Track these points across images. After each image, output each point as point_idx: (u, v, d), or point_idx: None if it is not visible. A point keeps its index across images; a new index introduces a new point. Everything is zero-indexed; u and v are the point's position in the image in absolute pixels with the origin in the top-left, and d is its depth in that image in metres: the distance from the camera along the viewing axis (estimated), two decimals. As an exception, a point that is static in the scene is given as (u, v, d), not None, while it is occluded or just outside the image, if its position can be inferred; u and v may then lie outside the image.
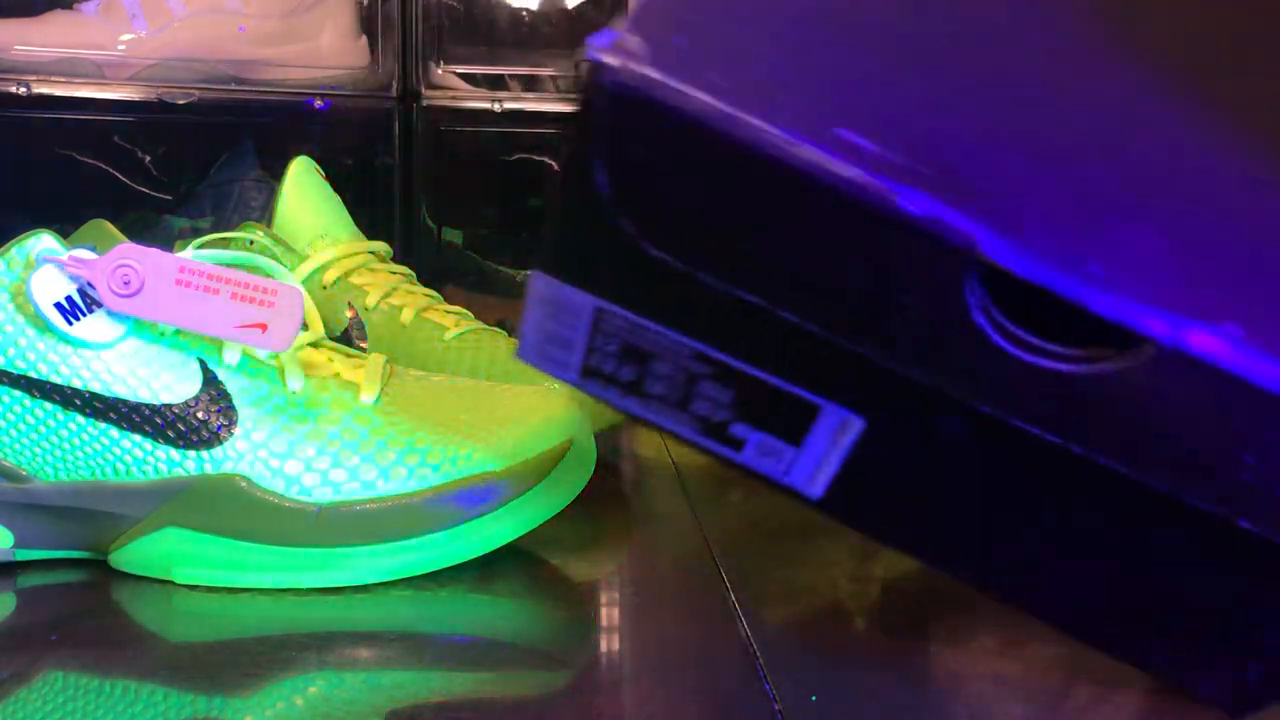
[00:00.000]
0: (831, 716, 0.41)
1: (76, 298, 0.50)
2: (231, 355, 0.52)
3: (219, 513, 0.51)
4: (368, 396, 0.54)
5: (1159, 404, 0.31)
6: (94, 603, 0.51)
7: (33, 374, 0.50)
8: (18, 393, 0.50)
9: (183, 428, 0.51)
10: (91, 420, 0.51)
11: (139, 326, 0.51)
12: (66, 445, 0.51)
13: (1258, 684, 0.36)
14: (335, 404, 0.53)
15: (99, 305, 0.50)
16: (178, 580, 0.52)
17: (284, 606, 0.50)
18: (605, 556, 0.60)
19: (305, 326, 0.56)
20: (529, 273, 0.36)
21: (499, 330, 0.72)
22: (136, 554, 0.52)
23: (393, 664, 0.46)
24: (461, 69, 1.07)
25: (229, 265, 0.51)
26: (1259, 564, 0.33)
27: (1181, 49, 0.37)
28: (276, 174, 0.77)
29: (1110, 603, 0.36)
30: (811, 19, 0.34)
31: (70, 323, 0.50)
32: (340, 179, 0.76)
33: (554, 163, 1.07)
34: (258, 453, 0.51)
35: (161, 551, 0.52)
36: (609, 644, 0.49)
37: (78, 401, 0.50)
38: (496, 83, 1.08)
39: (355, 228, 0.74)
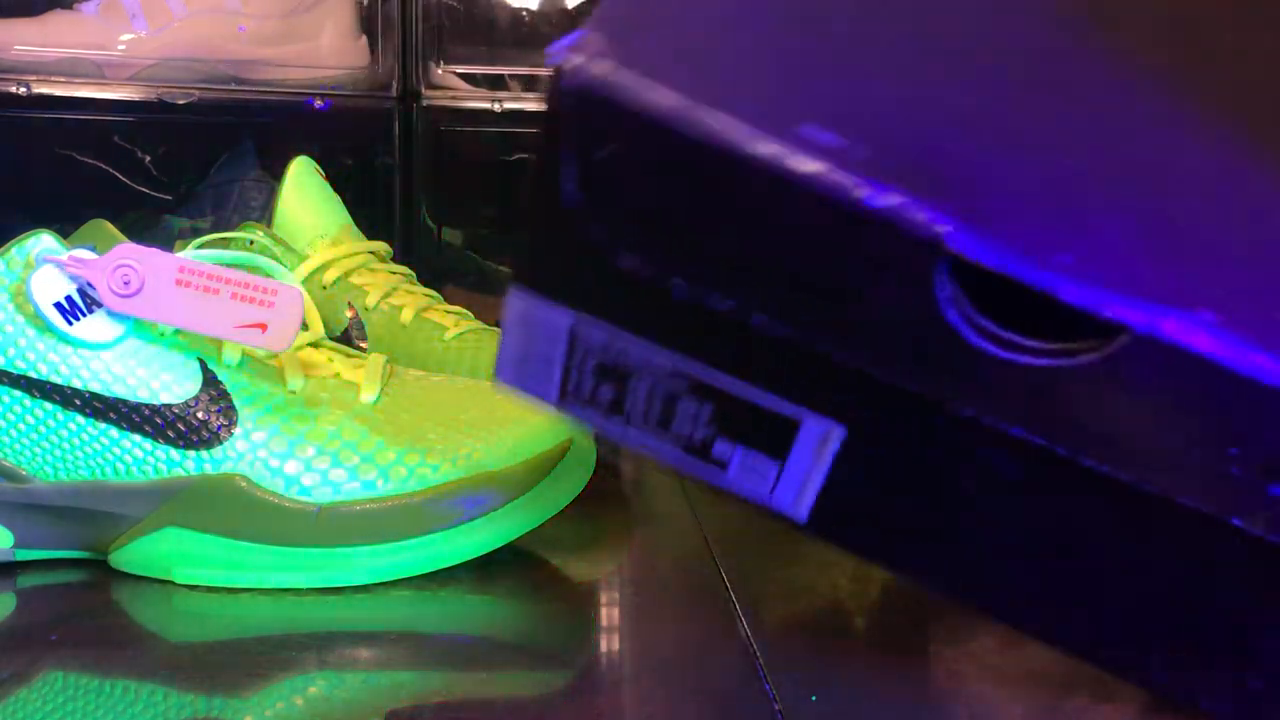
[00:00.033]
0: (831, 716, 0.41)
1: (76, 298, 0.50)
2: (231, 355, 0.52)
3: (219, 513, 0.51)
4: (368, 396, 0.54)
5: (1137, 396, 0.31)
6: (94, 603, 0.51)
7: (33, 374, 0.50)
8: (18, 393, 0.50)
9: (182, 428, 0.51)
10: (91, 420, 0.51)
11: (139, 326, 0.51)
12: (66, 445, 0.51)
13: (1260, 695, 0.35)
14: (335, 404, 0.53)
15: (99, 305, 0.50)
16: (178, 580, 0.52)
17: (284, 606, 0.50)
18: (605, 556, 0.60)
19: (305, 326, 0.56)
20: (507, 291, 0.36)
21: (499, 330, 0.72)
22: (136, 554, 0.52)
23: (393, 664, 0.46)
24: (461, 69, 1.07)
25: (229, 265, 0.51)
26: (1256, 566, 0.32)
27: (1148, 37, 0.37)
28: (276, 174, 0.77)
29: (1106, 615, 0.36)
30: (776, 15, 0.34)
31: (70, 323, 0.50)
32: (340, 179, 0.76)
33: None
34: (257, 453, 0.51)
35: (161, 551, 0.52)
36: (609, 644, 0.49)
37: (78, 401, 0.50)
38: (496, 83, 1.08)
39: (355, 228, 0.74)
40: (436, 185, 1.07)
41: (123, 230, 0.55)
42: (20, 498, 0.52)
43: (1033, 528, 0.35)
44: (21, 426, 0.51)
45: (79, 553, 0.54)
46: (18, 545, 0.53)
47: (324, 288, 0.70)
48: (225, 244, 0.68)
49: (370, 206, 0.98)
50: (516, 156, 1.08)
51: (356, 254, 0.72)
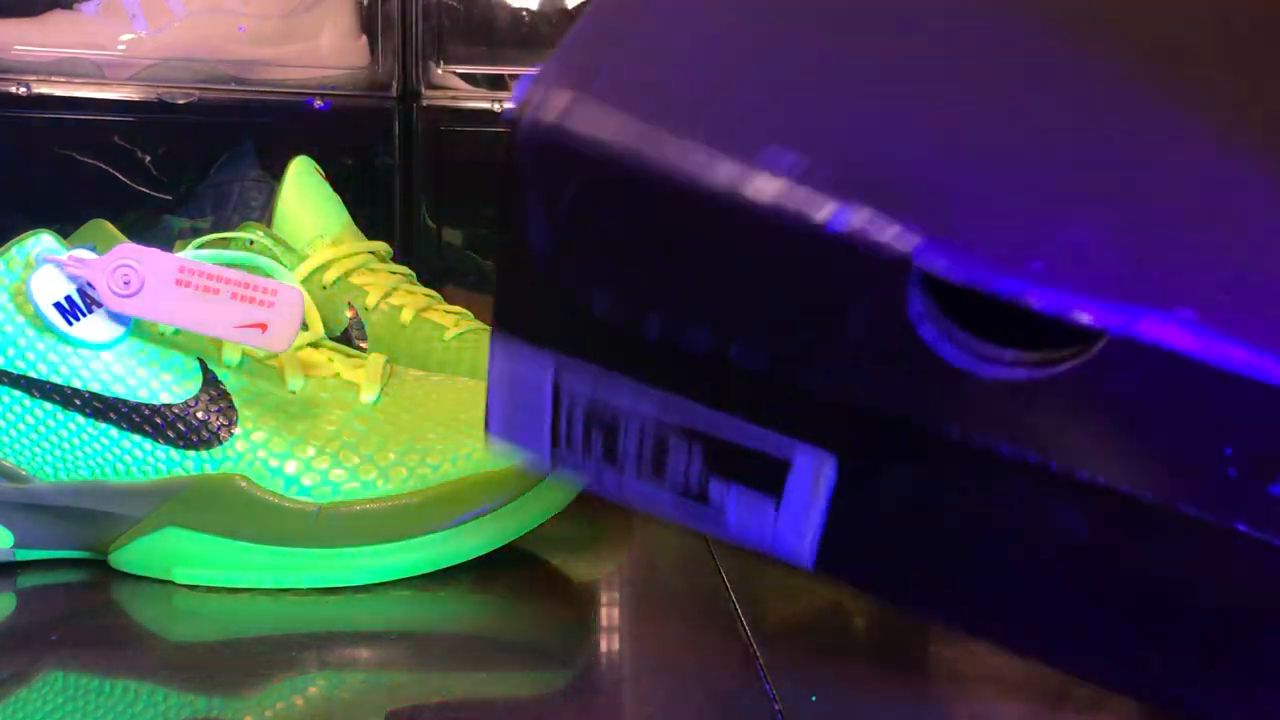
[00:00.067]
0: (831, 716, 0.41)
1: (76, 298, 0.50)
2: (231, 355, 0.52)
3: (219, 513, 0.51)
4: (368, 396, 0.54)
5: (1123, 402, 0.30)
6: (94, 603, 0.51)
7: (32, 374, 0.50)
8: (17, 393, 0.50)
9: (182, 428, 0.51)
10: (91, 420, 0.51)
11: (139, 326, 0.51)
12: (66, 445, 0.51)
13: (1269, 707, 0.34)
14: (335, 404, 0.53)
15: (99, 305, 0.50)
16: (178, 580, 0.52)
17: (284, 606, 0.50)
18: (605, 556, 0.60)
19: (305, 326, 0.56)
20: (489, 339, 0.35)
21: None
22: (136, 554, 0.52)
23: (393, 664, 0.46)
24: (461, 69, 1.07)
25: (229, 265, 0.51)
26: (1263, 572, 0.32)
27: (1110, 41, 0.36)
28: (276, 174, 0.77)
29: (1113, 632, 0.35)
30: (736, 40, 0.33)
31: (70, 323, 0.50)
32: (340, 179, 0.76)
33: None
34: (257, 453, 0.51)
35: (161, 551, 0.52)
36: (609, 644, 0.49)
37: (77, 401, 0.50)
38: (496, 83, 1.08)
39: (355, 228, 0.74)
40: (436, 185, 1.07)
41: (123, 230, 0.55)
42: (20, 498, 0.52)
43: (1034, 550, 0.34)
44: (21, 426, 0.51)
45: (79, 553, 0.54)
46: (18, 545, 0.53)
47: (324, 288, 0.70)
48: (225, 244, 0.68)
49: (370, 206, 0.98)
50: (516, 156, 1.08)
51: (356, 254, 0.72)
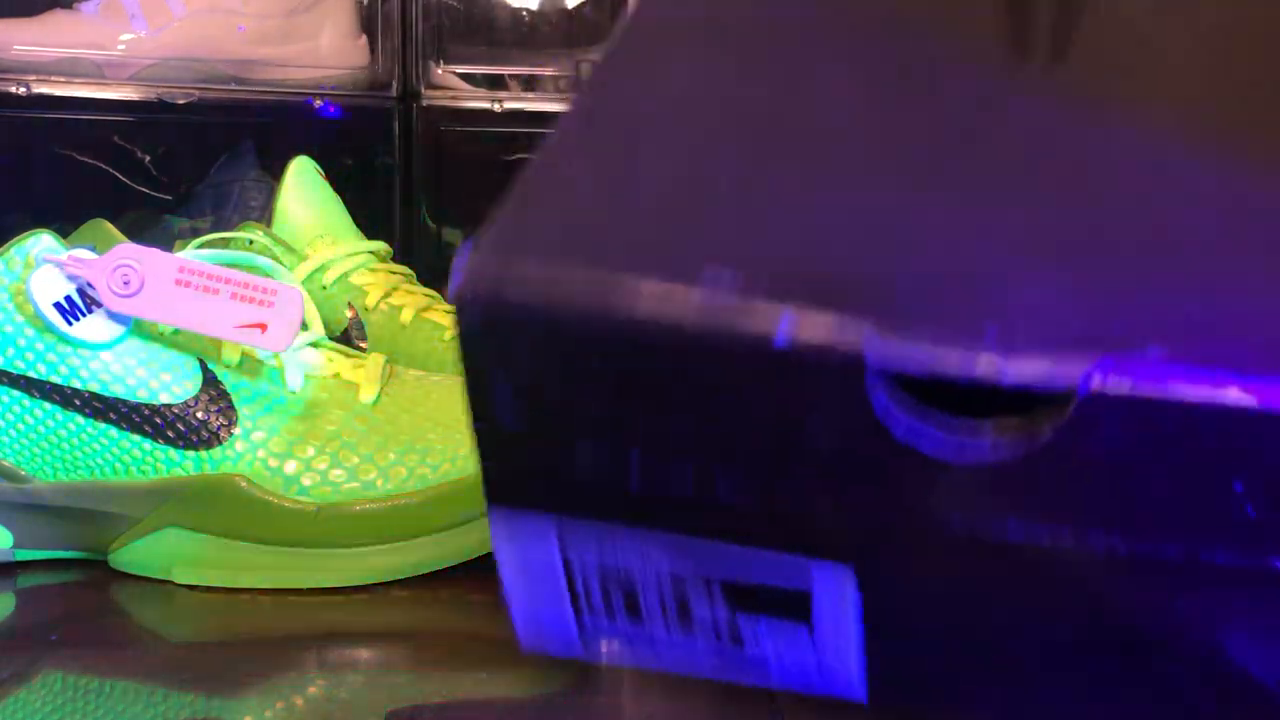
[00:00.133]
0: (831, 716, 0.41)
1: (76, 298, 0.50)
2: (231, 355, 0.52)
3: (219, 513, 0.51)
4: (367, 396, 0.54)
5: (1113, 459, 0.28)
6: (94, 603, 0.51)
7: (32, 374, 0.50)
8: (17, 393, 0.50)
9: (182, 428, 0.51)
10: (91, 420, 0.51)
11: (138, 326, 0.51)
12: (66, 445, 0.51)
13: None
14: (335, 404, 0.53)
15: (98, 305, 0.50)
16: (178, 580, 0.52)
17: (284, 606, 0.50)
18: (605, 556, 0.60)
19: (305, 326, 0.56)
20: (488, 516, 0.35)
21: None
22: (136, 554, 0.52)
23: (393, 664, 0.46)
24: (461, 69, 1.07)
25: (229, 265, 0.51)
26: None
27: (1023, 100, 0.36)
28: (276, 174, 0.77)
29: (1193, 710, 0.33)
30: (655, 178, 0.33)
31: (70, 323, 0.50)
32: (340, 179, 0.76)
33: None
34: (257, 452, 0.51)
35: (161, 551, 0.52)
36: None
37: (77, 401, 0.50)
38: (496, 83, 1.08)
39: (355, 228, 0.74)
40: (436, 185, 1.07)
41: (123, 230, 0.55)
42: (20, 498, 0.52)
43: (1072, 638, 0.32)
44: (21, 426, 0.51)
45: (79, 553, 0.54)
46: (17, 545, 0.53)
47: (324, 288, 0.70)
48: (225, 244, 0.68)
49: (370, 206, 0.98)
50: (516, 156, 1.08)
51: (356, 254, 0.72)
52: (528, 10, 1.09)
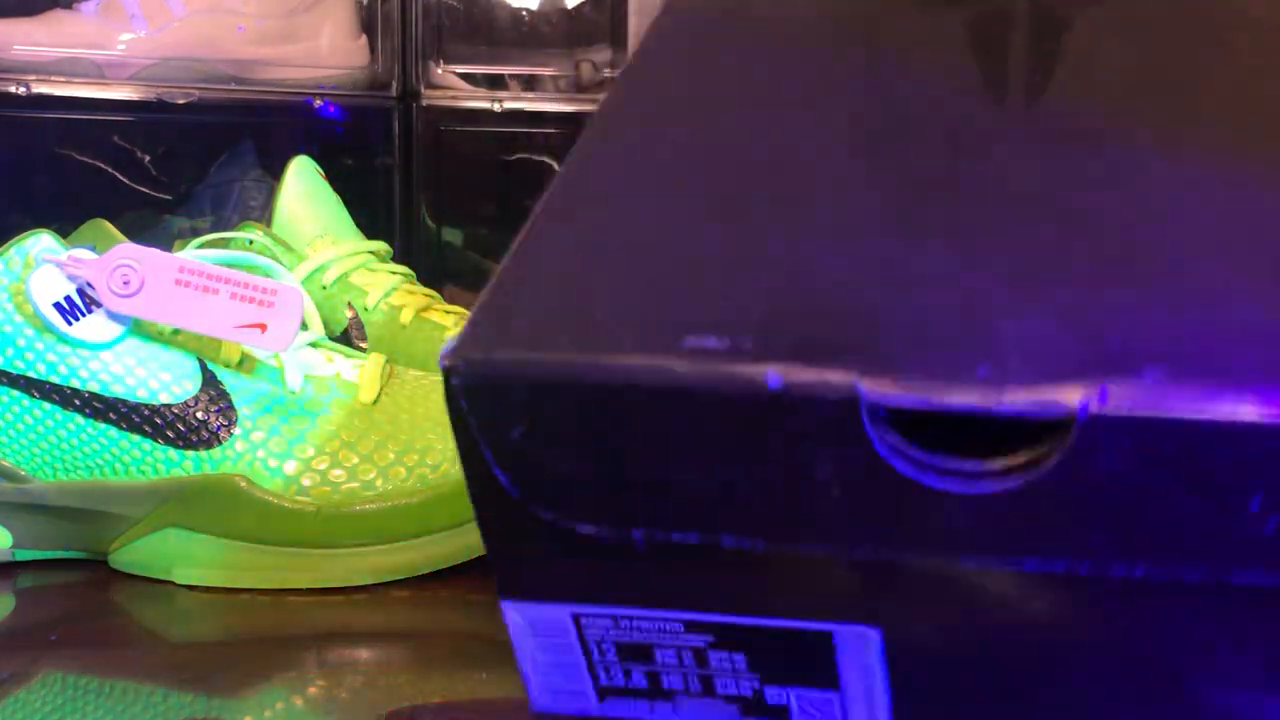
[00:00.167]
0: None
1: (75, 298, 0.50)
2: (231, 355, 0.52)
3: (218, 513, 0.51)
4: (367, 396, 0.54)
5: (1120, 483, 0.28)
6: (94, 603, 0.51)
7: (32, 374, 0.50)
8: (17, 393, 0.50)
9: (182, 427, 0.51)
10: (90, 420, 0.51)
11: (138, 326, 0.51)
12: (66, 445, 0.51)
13: None
14: (334, 404, 0.53)
15: (98, 305, 0.50)
16: (178, 580, 0.52)
17: (284, 606, 0.50)
18: (605, 556, 0.60)
19: (305, 326, 0.56)
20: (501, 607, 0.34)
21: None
22: (136, 554, 0.52)
23: (393, 664, 0.46)
24: (461, 69, 1.07)
25: (228, 265, 0.51)
26: None
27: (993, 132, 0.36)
28: (276, 174, 0.77)
29: None
30: (636, 253, 0.33)
31: (69, 323, 0.50)
32: (340, 179, 0.76)
33: (554, 162, 1.07)
34: (256, 452, 0.51)
35: (161, 551, 0.52)
36: (609, 644, 0.49)
37: (77, 401, 0.50)
38: (496, 82, 1.08)
39: (355, 228, 0.74)
40: (436, 185, 1.07)
41: (122, 230, 0.55)
42: (20, 498, 0.52)
43: (1105, 661, 0.32)
44: (20, 426, 0.51)
45: (79, 553, 0.54)
46: (17, 546, 0.53)
47: (324, 288, 0.70)
48: (225, 244, 0.68)
49: (370, 206, 0.98)
50: (516, 156, 1.08)
51: (356, 254, 0.72)
52: (528, 10, 1.09)
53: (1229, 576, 0.29)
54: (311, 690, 0.43)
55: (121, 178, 0.99)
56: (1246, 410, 0.27)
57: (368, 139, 1.04)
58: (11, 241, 0.51)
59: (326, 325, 0.68)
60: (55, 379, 0.50)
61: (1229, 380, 0.27)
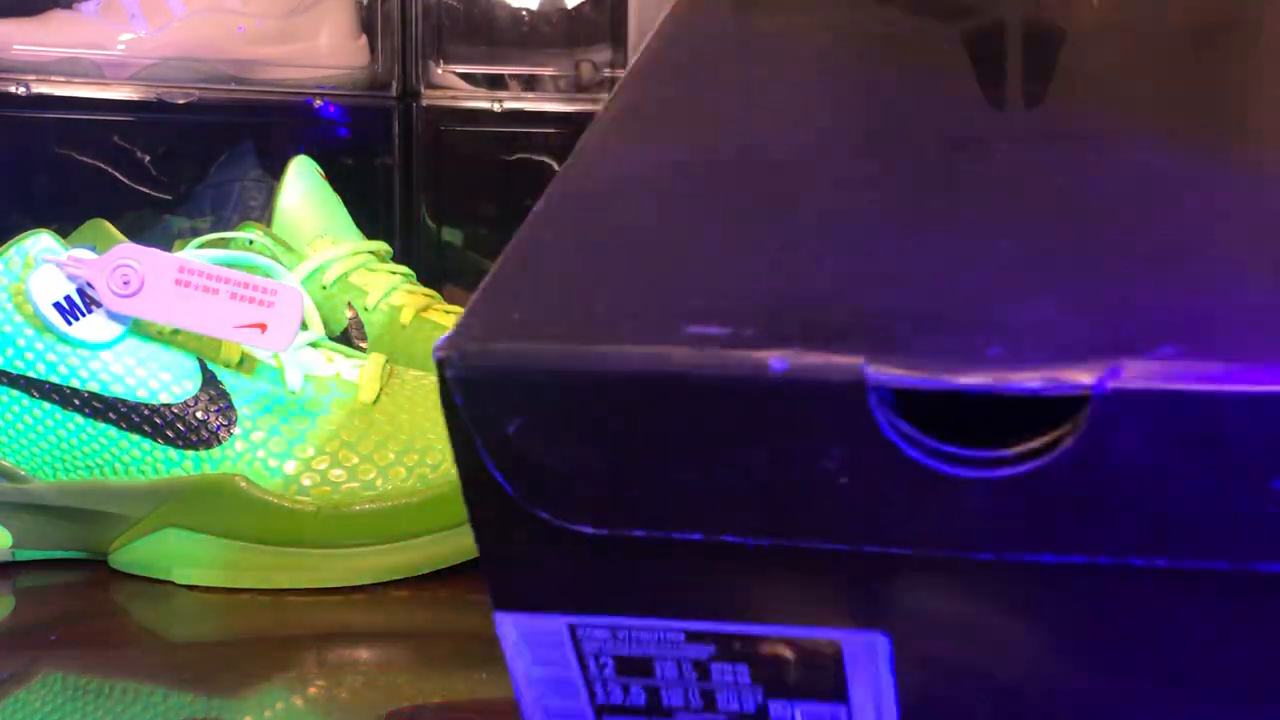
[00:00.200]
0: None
1: (75, 297, 0.50)
2: (230, 355, 0.52)
3: (218, 513, 0.51)
4: (367, 396, 0.54)
5: (1141, 466, 0.27)
6: (94, 603, 0.51)
7: (31, 374, 0.50)
8: (16, 392, 0.50)
9: (181, 427, 0.51)
10: (90, 420, 0.51)
11: (138, 326, 0.51)
12: (65, 445, 0.51)
13: None
14: (334, 404, 0.53)
15: (98, 305, 0.50)
16: (178, 580, 0.52)
17: (284, 606, 0.50)
18: (605, 556, 0.60)
19: (305, 326, 0.56)
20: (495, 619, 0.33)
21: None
22: (136, 554, 0.52)
23: (393, 664, 0.46)
24: (461, 68, 1.07)
25: (228, 265, 0.51)
26: None
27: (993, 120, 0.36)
28: (276, 174, 0.77)
29: None
30: (632, 248, 0.33)
31: (69, 322, 0.50)
32: (340, 179, 0.76)
33: (554, 162, 1.07)
34: (256, 452, 0.51)
35: (161, 551, 0.52)
36: (609, 644, 0.49)
37: (76, 401, 0.50)
38: (496, 82, 1.08)
39: (355, 228, 0.74)
40: (436, 185, 1.07)
41: (123, 230, 0.55)
42: (19, 498, 0.52)
43: (1127, 663, 0.31)
44: (20, 426, 0.51)
45: (79, 553, 0.54)
46: (17, 546, 0.53)
47: (323, 288, 0.70)
48: (225, 244, 0.68)
49: (370, 206, 0.98)
50: (516, 156, 1.08)
51: (356, 254, 0.72)
52: (528, 10, 1.09)
53: (1253, 564, 0.28)
54: (311, 690, 0.43)
55: (121, 178, 0.99)
56: (1265, 383, 0.26)
57: (368, 139, 1.04)
58: (11, 241, 0.51)
59: (326, 325, 0.68)
60: (55, 379, 0.50)
61: (1245, 356, 0.27)
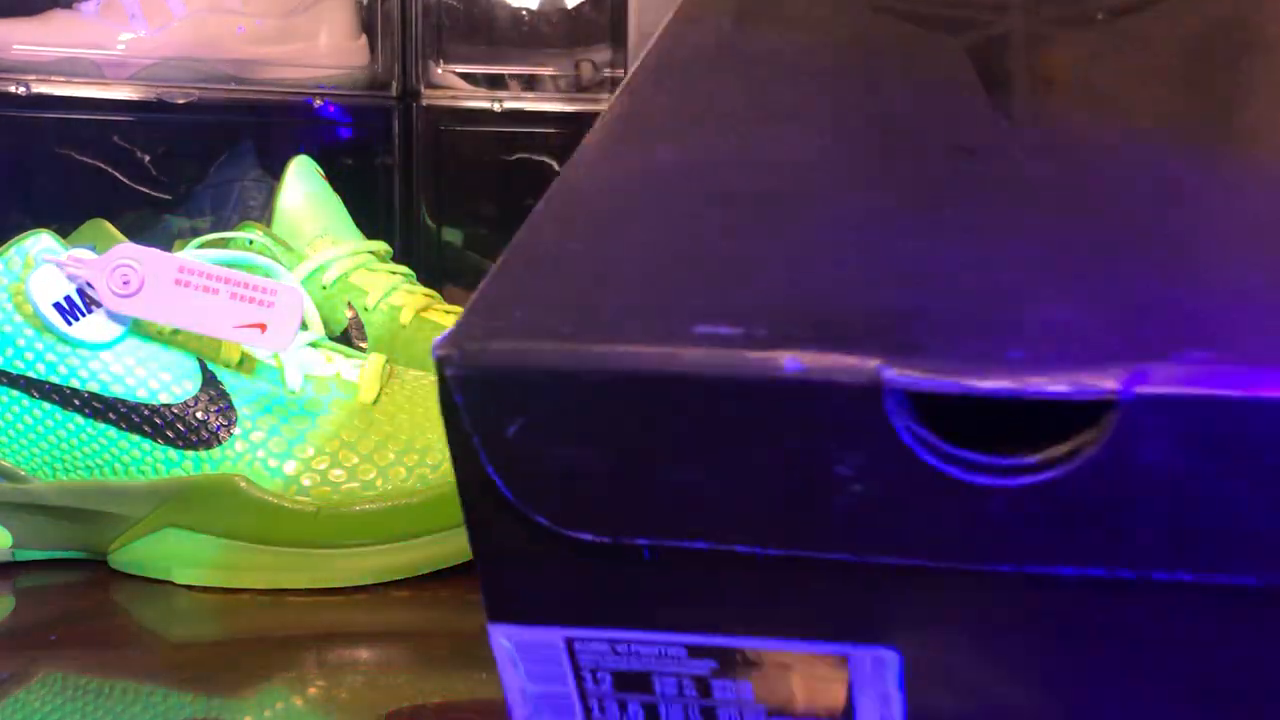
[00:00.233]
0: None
1: (75, 298, 0.50)
2: (230, 355, 0.52)
3: (218, 513, 0.51)
4: (367, 396, 0.54)
5: (1166, 475, 0.27)
6: (94, 603, 0.51)
7: (31, 374, 0.50)
8: (16, 393, 0.50)
9: (181, 428, 0.51)
10: (90, 420, 0.51)
11: (138, 326, 0.51)
12: (65, 445, 0.51)
13: None
14: (334, 404, 0.53)
15: (98, 305, 0.50)
16: (178, 580, 0.52)
17: (284, 606, 0.50)
18: (605, 556, 0.60)
19: (305, 326, 0.56)
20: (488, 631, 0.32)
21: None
22: (136, 554, 0.52)
23: (393, 664, 0.46)
24: (461, 68, 1.07)
25: (228, 265, 0.51)
26: None
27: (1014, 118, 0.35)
28: (276, 174, 0.77)
29: None
30: (639, 248, 0.32)
31: (69, 323, 0.50)
32: (340, 179, 0.76)
33: (554, 162, 1.07)
34: (256, 453, 0.51)
35: (161, 551, 0.52)
36: (609, 644, 0.49)
37: (76, 401, 0.50)
38: (496, 82, 1.08)
39: (355, 228, 0.74)
40: (436, 185, 1.07)
41: (122, 230, 0.55)
42: (19, 498, 0.52)
43: (1148, 678, 0.30)
44: (20, 426, 0.51)
45: (79, 553, 0.54)
46: (16, 546, 0.53)
47: (323, 288, 0.70)
48: (225, 244, 0.68)
49: (370, 206, 0.98)
50: (516, 156, 1.08)
51: (356, 254, 0.72)
52: (528, 10, 1.09)
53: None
54: (311, 690, 0.43)
55: (121, 178, 0.99)
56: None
57: (368, 139, 1.04)
58: (11, 241, 0.51)
59: (326, 325, 0.68)
60: (55, 379, 0.50)
61: (1275, 360, 0.26)
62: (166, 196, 0.99)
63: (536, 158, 1.08)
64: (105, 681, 0.44)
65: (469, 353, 0.29)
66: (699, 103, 0.39)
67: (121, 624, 0.50)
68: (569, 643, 0.32)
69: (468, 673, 0.45)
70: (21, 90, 0.89)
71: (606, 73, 1.06)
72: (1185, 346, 0.26)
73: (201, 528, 0.51)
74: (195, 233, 0.91)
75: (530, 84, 1.08)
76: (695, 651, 0.32)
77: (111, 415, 0.51)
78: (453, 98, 1.06)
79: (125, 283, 0.49)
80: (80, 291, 0.50)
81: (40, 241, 0.50)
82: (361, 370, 0.55)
